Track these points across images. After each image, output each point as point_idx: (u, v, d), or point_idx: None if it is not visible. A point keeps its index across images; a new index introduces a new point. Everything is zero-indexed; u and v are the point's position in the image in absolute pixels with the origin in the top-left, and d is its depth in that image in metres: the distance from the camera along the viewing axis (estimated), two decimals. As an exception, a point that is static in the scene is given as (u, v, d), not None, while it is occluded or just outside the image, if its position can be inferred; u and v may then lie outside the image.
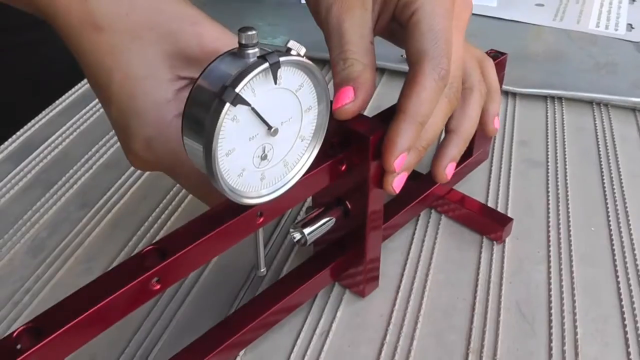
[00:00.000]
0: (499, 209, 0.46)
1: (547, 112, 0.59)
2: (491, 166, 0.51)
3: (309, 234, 0.35)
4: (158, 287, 0.27)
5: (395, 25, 0.36)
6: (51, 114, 0.58)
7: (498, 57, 0.44)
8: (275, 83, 0.26)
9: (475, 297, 0.40)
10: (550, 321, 0.38)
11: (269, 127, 0.27)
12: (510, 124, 0.57)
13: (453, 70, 0.34)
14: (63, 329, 0.24)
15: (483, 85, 0.40)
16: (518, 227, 0.45)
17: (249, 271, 0.41)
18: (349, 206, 0.36)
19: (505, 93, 0.61)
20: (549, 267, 0.42)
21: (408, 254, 0.43)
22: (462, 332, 0.38)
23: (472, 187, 0.49)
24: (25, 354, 0.23)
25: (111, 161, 0.52)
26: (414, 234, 0.45)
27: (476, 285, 0.41)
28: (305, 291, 0.36)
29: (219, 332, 0.33)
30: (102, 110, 0.50)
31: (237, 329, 0.33)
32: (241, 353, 0.36)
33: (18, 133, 0.56)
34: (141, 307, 0.37)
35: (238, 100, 0.25)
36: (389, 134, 0.32)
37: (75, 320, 0.24)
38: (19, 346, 0.23)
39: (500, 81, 0.44)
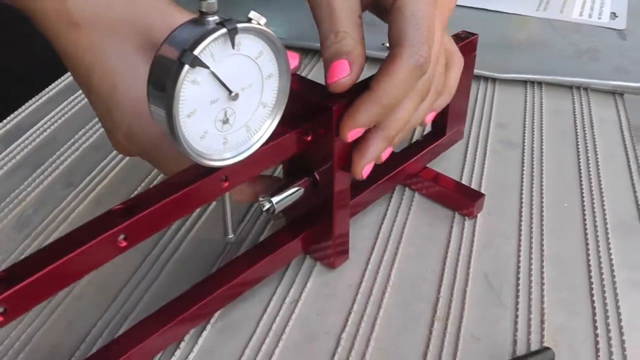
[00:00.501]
0: (472, 187, 0.47)
1: (526, 97, 0.60)
2: (467, 146, 0.53)
3: (277, 203, 0.36)
4: (125, 244, 0.28)
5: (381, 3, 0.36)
6: (39, 102, 0.60)
7: (469, 38, 0.45)
8: (233, 48, 0.27)
9: (443, 269, 0.41)
10: (517, 291, 0.40)
11: (230, 92, 0.28)
12: (489, 107, 0.59)
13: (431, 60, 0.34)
14: (33, 277, 0.25)
15: (441, 81, 0.39)
16: (491, 204, 0.46)
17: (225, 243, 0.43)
18: (317, 178, 0.37)
19: (485, 79, 0.63)
20: (520, 240, 0.43)
21: (380, 228, 0.44)
22: (429, 301, 0.39)
23: (447, 165, 0.50)
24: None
25: (97, 144, 0.53)
26: (386, 210, 0.46)
27: (445, 258, 0.42)
28: (275, 261, 0.38)
29: (189, 298, 0.34)
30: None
31: (206, 295, 0.34)
32: (212, 321, 0.37)
33: (8, 118, 0.57)
34: (121, 276, 0.38)
35: (197, 62, 0.26)
36: (351, 106, 0.33)
37: (45, 270, 0.25)
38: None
39: (472, 61, 0.46)
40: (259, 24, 0.28)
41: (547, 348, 0.35)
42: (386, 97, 0.33)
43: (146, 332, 0.33)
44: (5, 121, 0.57)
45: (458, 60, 0.41)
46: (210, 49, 0.27)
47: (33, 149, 0.53)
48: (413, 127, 0.39)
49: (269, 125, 0.31)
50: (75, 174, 0.50)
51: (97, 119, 0.55)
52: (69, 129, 0.56)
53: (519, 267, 0.41)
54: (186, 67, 0.26)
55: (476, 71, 0.53)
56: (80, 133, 0.55)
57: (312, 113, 0.34)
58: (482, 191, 0.47)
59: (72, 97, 0.60)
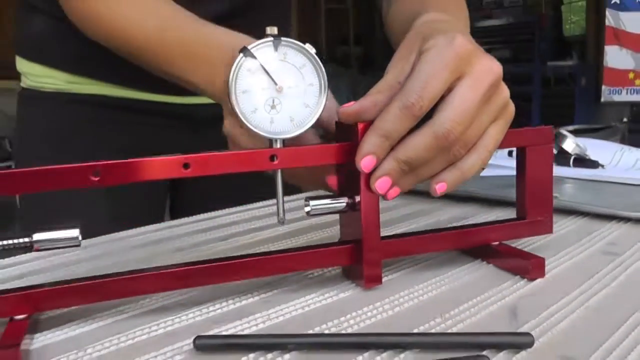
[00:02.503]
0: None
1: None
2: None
3: (312, 206, 0.46)
4: (188, 171, 0.42)
5: None
6: None
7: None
8: (276, 51, 0.42)
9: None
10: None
11: (275, 83, 0.43)
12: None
13: (426, 106, 0.43)
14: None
15: (472, 136, 0.45)
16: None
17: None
18: (355, 200, 0.46)
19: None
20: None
21: (428, 280, 0.49)
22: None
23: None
24: None
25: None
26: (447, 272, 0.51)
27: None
28: (309, 257, 0.46)
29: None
30: None
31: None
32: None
33: None
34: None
35: (248, 54, 0.42)
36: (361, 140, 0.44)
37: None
38: None
39: (549, 151, 0.51)
40: (303, 44, 0.43)
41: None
42: (380, 129, 0.43)
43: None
44: None
45: (505, 114, 0.47)
46: (263, 51, 0.42)
47: None
48: (425, 177, 0.46)
49: (308, 121, 0.44)
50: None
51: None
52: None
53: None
54: (241, 55, 0.42)
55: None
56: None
57: (344, 130, 0.46)
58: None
59: None
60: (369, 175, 0.44)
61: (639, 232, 0.59)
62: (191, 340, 0.38)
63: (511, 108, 0.48)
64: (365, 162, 0.43)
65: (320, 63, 0.44)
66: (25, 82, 0.86)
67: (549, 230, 0.54)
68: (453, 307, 0.43)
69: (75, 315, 0.43)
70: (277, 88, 0.43)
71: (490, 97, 0.46)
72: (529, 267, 0.47)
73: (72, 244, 0.41)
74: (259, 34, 0.44)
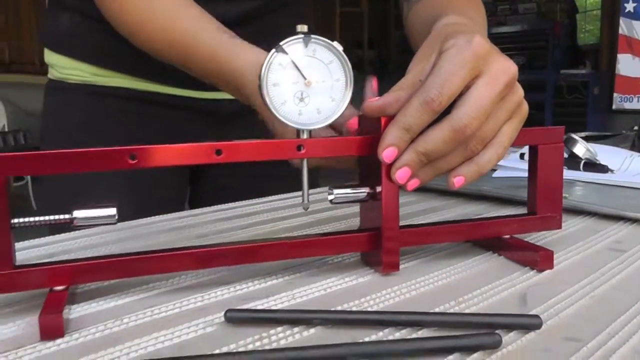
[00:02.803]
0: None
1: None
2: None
3: (336, 194, 0.49)
4: (221, 157, 0.44)
5: None
6: None
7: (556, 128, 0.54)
8: (306, 47, 0.45)
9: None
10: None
11: (304, 78, 0.45)
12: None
13: (445, 102, 0.45)
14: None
15: (489, 132, 0.47)
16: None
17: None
18: (376, 190, 0.49)
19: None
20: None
21: (440, 271, 0.52)
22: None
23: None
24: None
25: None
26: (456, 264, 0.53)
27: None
28: (330, 243, 0.49)
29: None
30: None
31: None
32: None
33: None
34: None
35: (280, 49, 0.45)
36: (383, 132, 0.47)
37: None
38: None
39: (560, 151, 0.54)
40: (331, 42, 0.46)
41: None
42: (401, 122, 0.46)
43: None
44: None
45: (519, 113, 0.50)
46: (293, 47, 0.45)
47: None
48: (443, 170, 0.48)
49: (334, 114, 0.47)
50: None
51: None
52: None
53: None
54: (273, 50, 0.44)
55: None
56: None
57: (367, 123, 0.48)
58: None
59: None
60: (390, 166, 0.47)
61: (646, 232, 0.62)
62: (222, 314, 0.41)
63: (525, 107, 0.51)
64: (387, 153, 0.46)
65: (347, 60, 0.46)
66: (53, 74, 0.89)
67: (558, 225, 0.56)
68: (466, 293, 0.45)
69: (109, 290, 0.46)
70: (305, 82, 0.46)
71: (505, 95, 0.48)
72: (538, 258, 0.50)
73: (109, 221, 0.44)
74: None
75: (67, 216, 0.43)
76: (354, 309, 0.43)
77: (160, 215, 0.72)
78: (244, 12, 0.82)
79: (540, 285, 0.47)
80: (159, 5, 0.66)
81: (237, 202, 0.80)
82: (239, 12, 0.82)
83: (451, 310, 0.42)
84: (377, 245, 0.49)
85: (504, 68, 0.48)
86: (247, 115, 0.93)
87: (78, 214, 0.43)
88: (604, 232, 0.62)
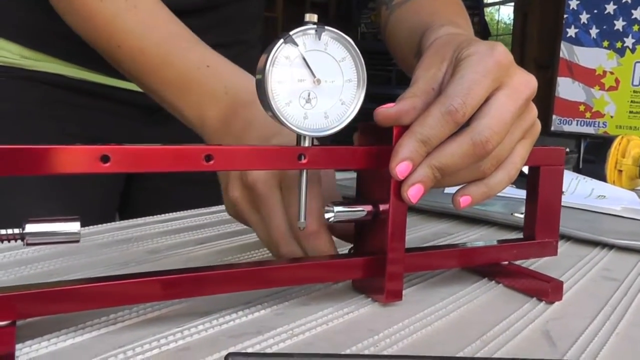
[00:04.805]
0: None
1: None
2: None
3: (336, 212, 0.42)
4: (210, 163, 0.37)
5: None
6: None
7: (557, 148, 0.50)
8: (320, 40, 0.38)
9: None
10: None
11: (314, 76, 0.39)
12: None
13: (469, 113, 0.41)
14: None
15: (504, 151, 0.43)
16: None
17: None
18: (379, 208, 0.43)
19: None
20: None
21: (447, 298, 0.47)
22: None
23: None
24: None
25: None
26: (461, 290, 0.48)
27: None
28: (323, 269, 0.43)
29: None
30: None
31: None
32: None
33: None
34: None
35: (289, 40, 0.38)
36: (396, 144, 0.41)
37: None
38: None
39: (560, 173, 0.50)
40: (344, 34, 0.39)
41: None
42: (419, 133, 0.40)
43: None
44: None
45: (532, 132, 0.46)
46: (303, 39, 0.38)
47: None
48: (446, 185, 0.44)
49: (344, 120, 0.40)
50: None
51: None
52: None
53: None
54: (281, 40, 0.37)
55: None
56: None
57: (371, 133, 0.43)
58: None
59: None
60: (400, 181, 0.41)
61: (627, 259, 0.59)
62: (212, 357, 0.34)
63: (538, 126, 0.47)
64: (400, 168, 0.40)
65: (361, 58, 0.40)
66: (-28, 54, 0.77)
67: (554, 252, 0.52)
68: (484, 330, 0.40)
69: (61, 323, 0.37)
70: (314, 81, 0.39)
71: (523, 111, 0.44)
72: (550, 290, 0.46)
73: (71, 239, 0.35)
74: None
75: (16, 231, 0.34)
76: (372, 349, 0.36)
77: (101, 225, 0.62)
78: (200, 3, 0.74)
79: (558, 320, 0.43)
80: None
81: (182, 213, 0.71)
82: (193, 2, 0.73)
83: (481, 352, 0.37)
84: (378, 270, 0.43)
85: (526, 81, 0.44)
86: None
87: (32, 228, 0.34)
88: (588, 257, 0.59)
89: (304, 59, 0.39)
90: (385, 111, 0.41)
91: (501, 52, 0.42)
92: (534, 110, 0.46)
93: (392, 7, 0.67)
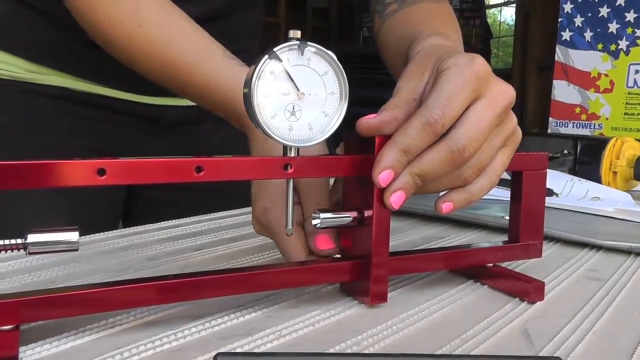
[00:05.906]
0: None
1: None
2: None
3: (323, 218, 0.44)
4: (201, 174, 0.39)
5: None
6: None
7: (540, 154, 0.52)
8: (302, 55, 0.40)
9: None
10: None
11: (298, 89, 0.41)
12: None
13: (448, 123, 0.42)
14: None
15: (484, 159, 0.45)
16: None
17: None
18: (364, 215, 0.45)
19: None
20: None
21: (430, 299, 0.48)
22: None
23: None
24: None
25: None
26: (446, 292, 0.50)
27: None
28: (311, 273, 0.45)
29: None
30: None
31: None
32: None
33: None
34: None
35: (274, 56, 0.40)
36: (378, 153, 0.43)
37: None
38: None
39: (543, 177, 0.52)
40: (326, 50, 0.41)
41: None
42: (400, 143, 0.42)
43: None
44: None
45: (513, 140, 0.47)
46: (287, 55, 0.40)
47: None
48: (429, 192, 0.45)
49: (327, 131, 0.42)
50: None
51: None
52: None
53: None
54: (266, 56, 0.40)
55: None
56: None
57: (355, 143, 0.45)
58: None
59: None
60: (383, 189, 0.43)
61: (614, 259, 0.61)
62: (203, 356, 0.36)
63: (519, 134, 0.48)
64: (383, 176, 0.42)
65: (343, 71, 0.42)
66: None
67: (538, 254, 0.54)
68: (465, 328, 0.42)
69: (62, 326, 0.39)
70: (298, 94, 0.41)
71: (502, 120, 0.46)
72: (531, 290, 0.47)
73: (70, 248, 0.37)
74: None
75: (19, 241, 0.36)
76: (354, 348, 0.38)
77: (102, 233, 0.65)
78: (207, 11, 0.76)
79: (538, 320, 0.44)
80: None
81: (181, 220, 0.73)
82: (202, 11, 0.75)
83: (459, 350, 0.39)
84: (364, 273, 0.45)
85: (504, 91, 0.45)
86: (189, 124, 0.87)
87: (34, 238, 0.36)
88: (575, 259, 0.61)
89: (288, 73, 0.41)
90: (368, 122, 0.43)
91: (480, 64, 0.44)
92: (513, 119, 0.47)
93: (384, 17, 0.69)
